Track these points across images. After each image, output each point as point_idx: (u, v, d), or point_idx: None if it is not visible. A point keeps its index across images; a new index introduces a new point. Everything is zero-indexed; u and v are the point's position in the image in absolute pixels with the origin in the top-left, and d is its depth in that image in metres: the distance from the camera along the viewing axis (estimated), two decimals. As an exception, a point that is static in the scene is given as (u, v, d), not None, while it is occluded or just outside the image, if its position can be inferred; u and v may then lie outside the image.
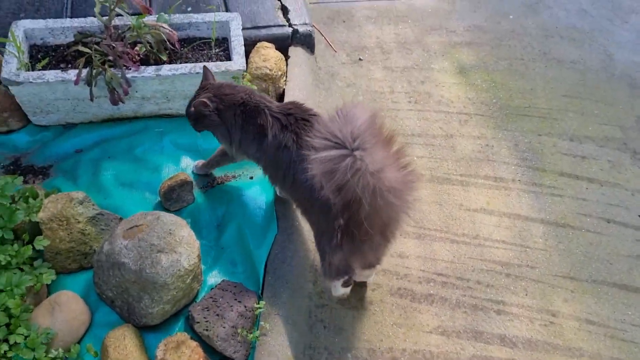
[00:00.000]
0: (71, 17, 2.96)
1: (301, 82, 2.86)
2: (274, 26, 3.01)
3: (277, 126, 2.02)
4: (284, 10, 3.13)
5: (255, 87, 2.68)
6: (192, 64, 2.49)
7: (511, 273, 2.35)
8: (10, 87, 2.42)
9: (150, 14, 2.55)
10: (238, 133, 2.12)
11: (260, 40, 2.92)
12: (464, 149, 2.80)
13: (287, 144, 1.98)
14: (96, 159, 2.50)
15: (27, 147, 2.56)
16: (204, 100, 2.10)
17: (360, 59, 3.23)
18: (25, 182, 2.42)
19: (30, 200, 2.12)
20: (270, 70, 2.69)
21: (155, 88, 2.51)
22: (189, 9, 3.07)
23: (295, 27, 3.03)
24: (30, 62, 2.56)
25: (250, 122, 2.07)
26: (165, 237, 1.91)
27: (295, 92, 2.76)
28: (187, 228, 2.00)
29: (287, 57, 2.96)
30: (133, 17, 2.55)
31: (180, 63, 2.59)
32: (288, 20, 3.07)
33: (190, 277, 1.93)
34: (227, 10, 3.09)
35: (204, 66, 2.24)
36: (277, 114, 2.04)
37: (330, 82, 3.07)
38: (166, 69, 2.46)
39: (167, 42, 2.53)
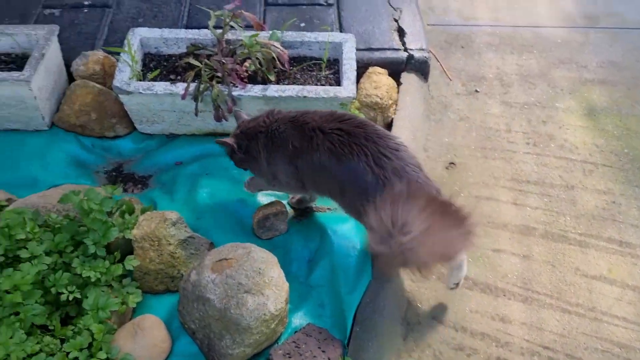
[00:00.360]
0: (186, 26, 2.96)
1: (411, 112, 2.68)
2: (389, 49, 2.85)
3: (296, 138, 1.98)
4: (401, 32, 2.96)
5: (362, 115, 2.54)
6: (300, 87, 2.38)
7: (631, 358, 2.05)
8: (120, 95, 2.43)
9: (263, 30, 2.48)
10: (264, 163, 2.09)
11: (372, 63, 2.78)
12: (586, 204, 2.51)
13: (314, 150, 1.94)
14: (194, 175, 2.45)
15: (130, 154, 2.58)
16: (226, 141, 2.09)
17: (476, 90, 3.00)
18: (125, 190, 2.43)
19: (126, 215, 2.09)
20: (380, 99, 2.54)
21: (260, 107, 2.43)
22: (302, 24, 2.98)
23: (411, 51, 2.85)
24: (142, 71, 2.56)
25: (273, 149, 2.04)
26: (254, 277, 1.80)
27: (405, 122, 2.59)
28: (277, 268, 1.89)
29: (398, 83, 2.79)
30: (246, 31, 2.50)
31: (288, 84, 2.49)
32: (404, 43, 2.89)
33: (275, 322, 1.82)
34: (340, 27, 2.97)
35: (235, 110, 2.24)
36: (292, 125, 2.00)
37: (442, 113, 2.86)
38: (273, 90, 2.37)
39: (277, 61, 2.44)
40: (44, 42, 2.53)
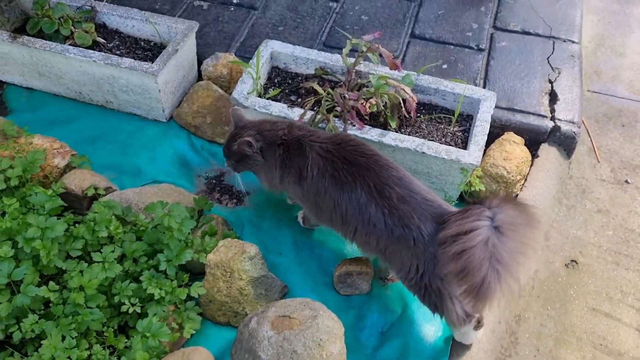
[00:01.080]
0: (324, 43, 2.85)
1: (542, 191, 2.36)
2: (533, 114, 2.53)
3: (320, 163, 1.88)
4: (552, 97, 2.61)
5: (482, 187, 2.27)
6: (420, 141, 2.16)
7: None
8: (236, 107, 2.36)
9: (398, 70, 2.29)
10: (279, 172, 1.99)
11: (509, 127, 2.48)
12: None
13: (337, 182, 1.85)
14: (288, 206, 2.34)
15: (234, 165, 2.52)
16: (249, 139, 1.96)
17: (627, 181, 2.58)
18: (219, 201, 2.37)
19: (207, 237, 2.02)
20: (508, 172, 2.24)
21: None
22: (445, 65, 2.74)
23: (559, 122, 2.51)
24: (265, 84, 2.48)
25: (292, 161, 1.95)
26: (312, 349, 1.64)
27: (531, 202, 2.27)
28: (340, 342, 1.71)
29: (534, 154, 2.47)
30: (380, 66, 2.33)
31: (410, 132, 2.28)
32: (552, 111, 2.55)
33: (321, 403, 1.65)
34: (485, 77, 2.69)
35: (234, 109, 2.10)
36: (320, 149, 1.90)
37: (578, 199, 2.49)
38: (390, 137, 2.18)
39: (403, 107, 2.24)
40: (181, 37, 2.53)
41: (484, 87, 2.65)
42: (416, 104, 2.27)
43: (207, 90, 2.53)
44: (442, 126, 2.34)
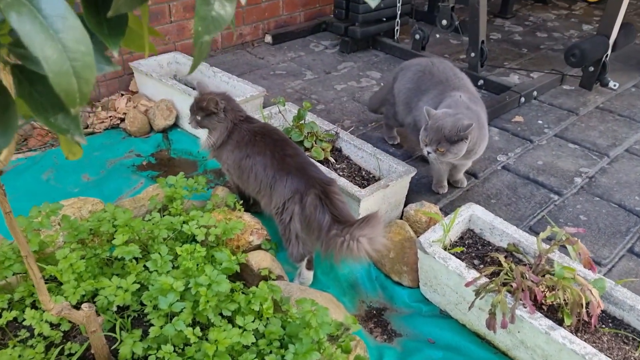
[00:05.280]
0: (530, 227, 2.81)
1: None
2: None
3: (251, 135, 2.61)
4: None
5: None
6: (593, 351, 1.94)
7: None
8: (419, 250, 2.45)
9: (593, 272, 2.15)
10: (225, 134, 2.62)
11: None
12: None
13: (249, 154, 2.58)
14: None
15: (403, 305, 2.54)
16: (217, 99, 2.56)
17: None
18: (370, 331, 2.40)
19: (339, 351, 2.06)
20: None
21: (539, 343, 2.08)
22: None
23: None
24: (454, 242, 2.53)
25: (235, 129, 2.63)
26: None
27: None
28: None
29: None
30: (571, 264, 2.21)
31: (587, 340, 2.07)
32: None
33: None
34: None
35: (198, 82, 2.83)
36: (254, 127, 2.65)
37: None
38: (560, 334, 2.01)
39: (584, 309, 2.06)
40: (395, 177, 2.77)
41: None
42: (602, 314, 2.08)
43: (401, 228, 2.68)
44: (628, 347, 2.07)
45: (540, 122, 3.77)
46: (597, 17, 5.86)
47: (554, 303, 2.19)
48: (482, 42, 3.94)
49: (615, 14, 3.51)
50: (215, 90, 2.76)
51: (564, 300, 2.11)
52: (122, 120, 3.73)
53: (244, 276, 2.43)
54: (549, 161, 3.35)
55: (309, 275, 2.55)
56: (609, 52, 3.71)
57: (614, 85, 3.87)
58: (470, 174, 3.19)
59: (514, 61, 4.69)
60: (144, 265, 2.24)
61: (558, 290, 2.08)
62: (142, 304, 2.12)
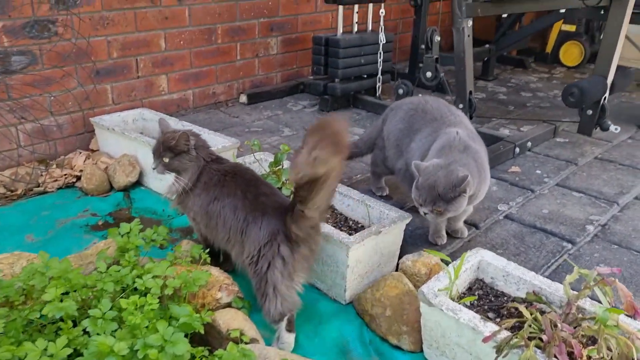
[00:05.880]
0: (548, 276, 2.42)
1: None
2: None
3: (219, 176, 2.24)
4: None
5: None
6: (656, 417, 1.52)
7: None
8: (421, 304, 2.03)
9: (638, 317, 1.76)
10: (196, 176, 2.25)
11: None
12: None
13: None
14: None
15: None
16: (187, 134, 2.20)
17: None
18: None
19: None
20: None
21: (581, 411, 1.64)
22: None
23: None
24: (462, 294, 2.13)
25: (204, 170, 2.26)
26: None
27: None
28: None
29: None
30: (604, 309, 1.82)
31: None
32: None
33: None
34: None
35: (160, 118, 2.46)
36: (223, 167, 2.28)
37: None
38: (610, 398, 1.58)
39: (637, 365, 1.65)
40: (388, 222, 2.40)
41: None
42: (656, 370, 1.67)
43: (397, 281, 2.27)
44: (693, 413, 1.64)
45: (538, 171, 3.48)
46: (579, 79, 5.79)
47: (595, 358, 1.77)
48: (470, 92, 3.72)
49: (610, 54, 3.33)
50: (180, 128, 2.42)
51: (607, 354, 1.69)
52: (79, 178, 3.35)
53: (209, 340, 1.97)
54: (555, 209, 3.02)
55: (289, 338, 2.10)
56: (607, 94, 3.50)
57: (616, 129, 3.64)
58: (471, 224, 2.84)
59: (502, 117, 4.48)
60: (84, 330, 1.79)
61: (601, 340, 1.67)
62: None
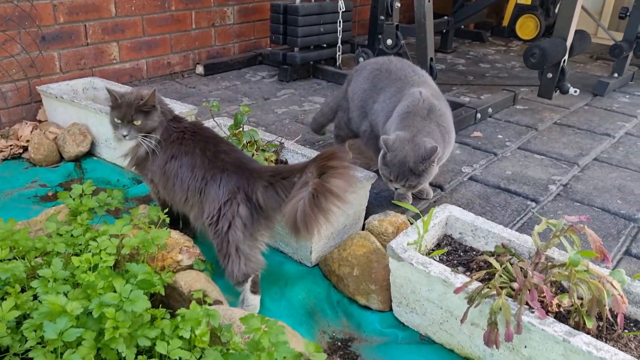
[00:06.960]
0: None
1: None
2: None
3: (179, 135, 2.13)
4: None
5: None
6: (630, 358, 1.51)
7: None
8: (390, 259, 1.98)
9: (606, 263, 1.75)
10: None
11: None
12: None
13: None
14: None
15: (373, 334, 2.03)
16: (155, 90, 2.09)
17: None
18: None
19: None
20: None
21: (554, 357, 1.63)
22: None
23: None
24: (431, 250, 2.09)
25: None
26: None
27: None
28: None
29: None
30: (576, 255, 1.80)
31: (613, 346, 1.64)
32: None
33: None
34: None
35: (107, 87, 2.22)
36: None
37: None
38: (582, 340, 1.56)
39: (606, 308, 1.64)
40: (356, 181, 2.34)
41: None
42: (623, 312, 1.67)
43: (364, 239, 2.22)
44: (662, 354, 1.65)
45: (500, 136, 3.49)
46: (535, 51, 5.84)
47: (562, 309, 1.76)
48: (431, 59, 3.68)
49: (570, 16, 3.34)
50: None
51: (579, 299, 1.68)
52: (26, 149, 3.16)
53: (170, 304, 1.88)
54: (518, 171, 3.02)
55: (254, 300, 2.03)
56: (567, 56, 3.52)
57: (575, 92, 3.67)
58: (436, 185, 2.80)
59: (462, 86, 4.47)
60: (34, 296, 1.66)
61: (572, 284, 1.65)
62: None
